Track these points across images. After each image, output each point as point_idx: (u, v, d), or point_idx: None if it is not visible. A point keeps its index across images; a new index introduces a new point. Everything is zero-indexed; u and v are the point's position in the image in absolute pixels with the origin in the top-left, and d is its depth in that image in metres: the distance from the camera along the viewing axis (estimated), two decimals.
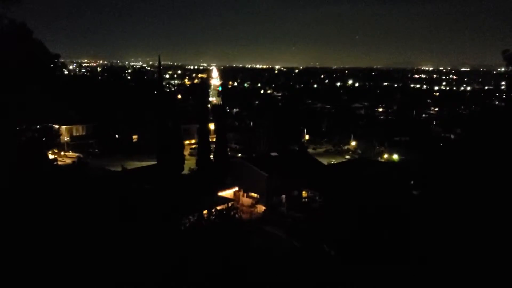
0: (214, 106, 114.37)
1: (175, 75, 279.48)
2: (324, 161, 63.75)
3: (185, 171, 57.19)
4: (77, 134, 79.59)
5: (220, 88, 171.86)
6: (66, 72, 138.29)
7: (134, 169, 52.16)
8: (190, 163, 60.54)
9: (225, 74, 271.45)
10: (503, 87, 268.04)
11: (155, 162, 57.92)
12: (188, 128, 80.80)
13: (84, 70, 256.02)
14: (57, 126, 78.24)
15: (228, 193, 50.17)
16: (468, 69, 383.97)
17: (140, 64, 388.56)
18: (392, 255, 22.74)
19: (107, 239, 19.25)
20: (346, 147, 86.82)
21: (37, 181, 18.39)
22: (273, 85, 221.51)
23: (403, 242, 23.64)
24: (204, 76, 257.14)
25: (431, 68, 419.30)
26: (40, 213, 18.28)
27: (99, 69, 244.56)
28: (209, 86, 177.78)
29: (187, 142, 76.25)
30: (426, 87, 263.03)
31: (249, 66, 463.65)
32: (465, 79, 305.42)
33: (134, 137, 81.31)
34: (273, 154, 56.84)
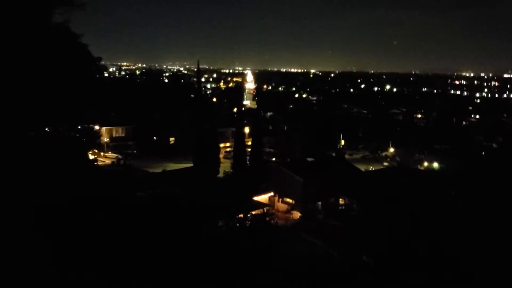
0: (249, 109, 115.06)
1: (211, 79, 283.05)
2: (362, 167, 62.43)
3: (220, 174, 57.64)
4: (117, 135, 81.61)
5: (254, 92, 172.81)
6: (106, 75, 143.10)
7: (173, 171, 53.16)
8: (224, 166, 60.88)
9: (259, 77, 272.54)
10: None
11: (191, 164, 58.66)
12: (223, 131, 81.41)
13: (123, 73, 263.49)
14: (97, 127, 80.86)
15: (263, 197, 49.99)
16: None
17: (177, 67, 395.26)
18: (432, 270, 21.93)
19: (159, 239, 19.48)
20: (383, 153, 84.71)
21: (88, 181, 18.86)
22: (308, 89, 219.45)
23: (444, 257, 22.76)
24: (239, 79, 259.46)
25: (472, 74, 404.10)
26: (88, 213, 18.69)
27: (138, 72, 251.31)
28: (244, 89, 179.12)
29: (221, 145, 76.88)
30: (467, 94, 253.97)
31: (284, 70, 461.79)
32: (508, 86, 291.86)
33: (171, 139, 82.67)
34: (309, 159, 56.29)
